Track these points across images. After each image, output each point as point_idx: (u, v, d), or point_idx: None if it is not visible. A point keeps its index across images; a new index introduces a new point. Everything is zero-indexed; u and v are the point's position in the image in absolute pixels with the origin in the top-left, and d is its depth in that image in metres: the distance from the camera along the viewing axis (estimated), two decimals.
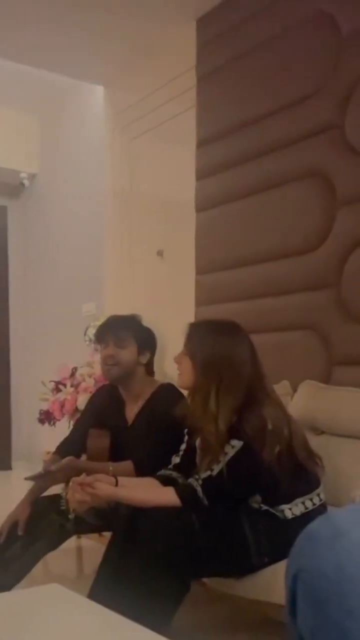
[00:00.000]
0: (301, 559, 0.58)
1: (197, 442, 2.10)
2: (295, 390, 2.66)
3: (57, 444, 2.74)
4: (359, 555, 0.55)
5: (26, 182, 5.39)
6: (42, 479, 2.42)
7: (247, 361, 2.03)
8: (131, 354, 2.53)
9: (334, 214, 2.69)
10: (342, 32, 2.67)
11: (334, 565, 0.55)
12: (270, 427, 1.90)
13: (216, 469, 1.93)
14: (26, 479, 2.41)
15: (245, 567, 1.91)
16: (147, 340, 2.60)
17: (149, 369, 2.63)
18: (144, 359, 2.57)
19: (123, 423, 2.59)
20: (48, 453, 2.97)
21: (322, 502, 2.01)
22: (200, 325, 2.21)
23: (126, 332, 2.54)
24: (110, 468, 2.36)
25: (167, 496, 1.94)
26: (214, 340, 2.05)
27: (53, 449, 2.74)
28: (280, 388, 2.72)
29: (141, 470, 2.32)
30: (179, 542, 1.81)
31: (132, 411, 2.59)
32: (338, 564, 0.55)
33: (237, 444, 1.92)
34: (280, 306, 2.92)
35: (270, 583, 1.85)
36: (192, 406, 2.06)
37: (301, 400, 2.54)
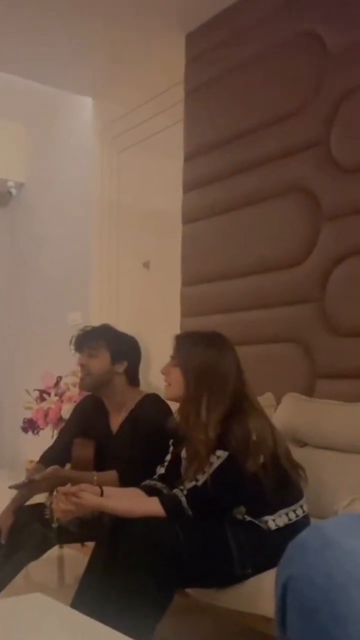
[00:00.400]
0: (291, 568, 0.59)
1: (183, 452, 2.11)
2: (278, 402, 2.69)
3: (41, 452, 2.74)
4: (348, 564, 0.56)
5: (13, 190, 5.39)
6: (26, 488, 2.41)
7: (233, 372, 2.07)
8: (103, 363, 2.53)
9: (319, 228, 2.73)
10: (328, 50, 2.72)
11: (323, 574, 0.56)
12: (254, 437, 1.93)
13: (201, 479, 1.94)
14: (10, 487, 2.41)
15: (229, 578, 1.92)
16: (122, 349, 2.59)
17: (131, 378, 2.62)
18: (120, 368, 2.56)
19: (107, 433, 2.59)
20: (31, 462, 2.97)
21: (305, 513, 2.03)
22: (188, 336, 2.25)
23: (98, 342, 2.54)
24: (95, 477, 2.37)
25: (152, 506, 1.95)
26: (202, 351, 2.09)
27: (36, 457, 2.73)
28: (264, 400, 2.75)
29: (125, 480, 2.32)
30: (163, 553, 1.82)
31: (116, 421, 2.60)
32: (328, 573, 0.56)
33: (222, 454, 1.94)
34: (265, 319, 2.95)
35: (254, 594, 1.86)
36: (184, 416, 2.07)
37: (285, 413, 2.57)
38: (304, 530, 0.63)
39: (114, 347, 2.55)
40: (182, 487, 1.97)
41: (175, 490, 1.98)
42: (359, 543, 0.58)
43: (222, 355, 2.08)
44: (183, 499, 1.93)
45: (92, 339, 2.55)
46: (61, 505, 1.98)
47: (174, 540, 1.86)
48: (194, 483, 1.95)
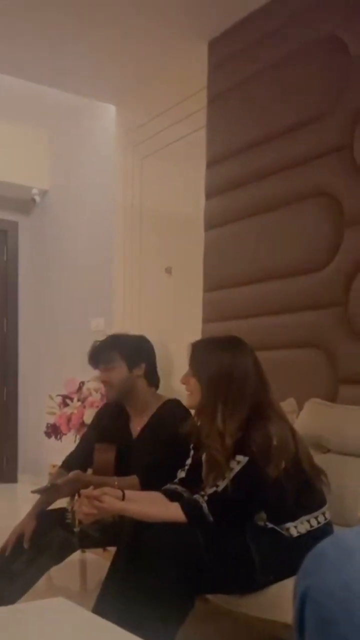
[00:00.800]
0: (308, 579, 0.58)
1: (203, 457, 2.11)
2: (301, 408, 2.67)
3: (63, 457, 2.75)
4: None
5: (37, 198, 5.44)
6: (48, 493, 2.43)
7: (251, 375, 2.05)
8: (121, 373, 2.54)
9: (342, 233, 2.71)
10: (351, 54, 2.71)
11: (341, 584, 0.55)
12: (275, 442, 1.91)
13: (221, 484, 1.93)
14: (32, 492, 2.42)
15: (250, 584, 1.91)
16: (136, 354, 2.61)
17: (151, 378, 2.63)
18: (140, 371, 2.58)
19: (128, 437, 2.60)
20: (54, 466, 2.99)
21: (328, 520, 2.01)
22: (202, 343, 2.23)
23: (111, 354, 2.55)
24: (116, 482, 2.38)
25: (173, 512, 1.95)
26: (216, 357, 2.07)
27: (59, 462, 2.75)
28: (286, 406, 2.73)
29: (146, 485, 2.33)
30: (184, 558, 1.82)
31: (137, 426, 2.60)
32: (346, 583, 0.55)
33: (242, 459, 1.93)
34: (287, 324, 2.94)
35: (275, 601, 1.85)
36: (200, 424, 2.07)
37: (307, 418, 2.55)
38: (324, 539, 0.62)
39: (128, 354, 2.57)
40: (202, 493, 1.96)
41: (196, 496, 1.98)
42: None
43: (238, 359, 2.06)
44: (204, 505, 1.93)
45: (105, 352, 2.56)
46: (83, 508, 1.98)
47: (194, 546, 1.85)
48: (214, 489, 1.94)
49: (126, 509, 1.99)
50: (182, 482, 2.18)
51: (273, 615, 1.84)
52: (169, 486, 2.18)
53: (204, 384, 2.05)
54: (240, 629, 2.32)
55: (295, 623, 0.60)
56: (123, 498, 2.05)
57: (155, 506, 2.03)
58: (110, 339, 2.66)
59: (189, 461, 2.21)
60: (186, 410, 2.52)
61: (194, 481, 2.12)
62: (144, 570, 1.84)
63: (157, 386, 2.71)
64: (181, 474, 2.20)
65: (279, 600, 1.83)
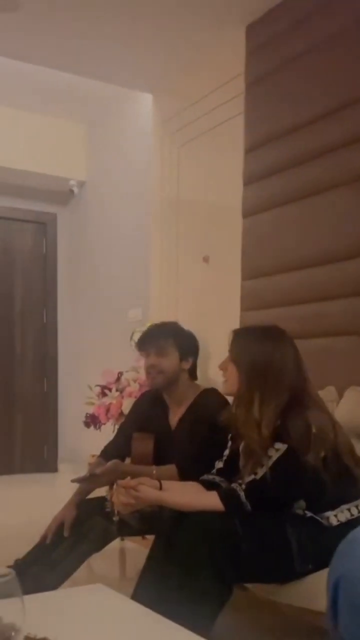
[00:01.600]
0: (342, 566, 0.57)
1: (241, 447, 2.09)
2: (341, 396, 2.63)
3: (102, 447, 2.76)
4: None
5: (75, 189, 5.47)
6: (88, 482, 2.44)
7: (291, 366, 2.03)
8: (173, 361, 2.54)
9: None
10: None
11: None
12: (314, 430, 1.88)
13: (260, 472, 1.91)
14: (72, 481, 2.44)
15: (289, 573, 1.89)
16: (189, 346, 2.61)
17: (192, 373, 2.64)
18: (187, 365, 2.58)
19: (167, 427, 2.60)
20: (93, 456, 3.01)
21: None
22: (244, 331, 2.22)
23: (167, 341, 2.55)
24: (154, 472, 2.38)
25: (210, 500, 1.94)
26: (257, 346, 2.05)
27: (98, 452, 2.76)
28: (326, 394, 2.69)
29: (184, 474, 2.32)
30: (222, 546, 1.81)
31: (175, 416, 2.60)
32: None
33: (281, 447, 1.90)
34: (326, 311, 2.89)
35: (315, 590, 1.82)
36: (236, 413, 2.05)
37: (347, 406, 2.51)
38: (358, 527, 0.60)
39: (182, 345, 2.57)
40: (240, 482, 1.95)
41: (234, 485, 1.96)
42: None
43: (278, 349, 2.04)
44: (242, 494, 1.91)
45: (161, 338, 2.57)
46: (121, 498, 1.99)
47: (233, 534, 1.84)
48: (252, 477, 1.92)
49: (163, 498, 1.99)
50: (219, 472, 2.17)
51: (312, 605, 1.82)
52: (206, 476, 2.17)
53: (243, 372, 2.04)
54: (279, 618, 2.30)
55: (328, 608, 0.59)
56: (160, 488, 2.04)
57: (192, 495, 2.02)
58: (169, 325, 2.67)
59: (226, 452, 2.20)
60: (223, 399, 2.51)
61: (231, 472, 2.11)
62: (182, 558, 1.83)
63: (195, 380, 2.70)
64: (219, 465, 2.19)
65: (317, 589, 1.80)
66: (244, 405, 2.00)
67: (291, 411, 1.95)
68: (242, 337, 2.13)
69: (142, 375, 3.48)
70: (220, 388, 2.24)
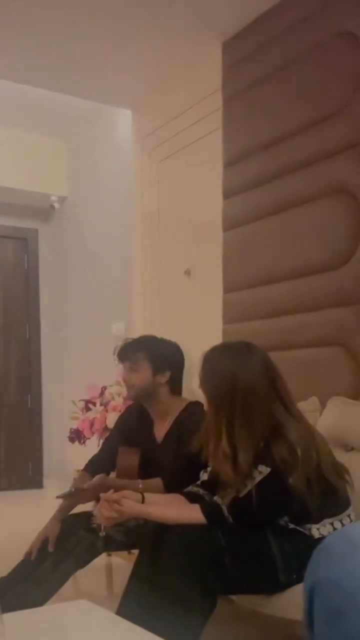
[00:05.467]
0: (316, 573, 0.58)
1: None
2: (323, 406, 2.65)
3: (87, 462, 2.75)
4: None
5: (56, 205, 5.48)
6: (73, 497, 2.43)
7: (262, 382, 1.91)
8: (144, 376, 2.52)
9: None
10: None
11: (349, 577, 0.55)
12: (299, 453, 1.84)
13: (242, 491, 1.91)
14: (58, 497, 2.43)
15: (273, 585, 1.90)
16: (164, 360, 2.57)
17: (174, 387, 2.62)
18: (163, 379, 2.55)
19: (152, 442, 2.59)
20: (78, 471, 2.99)
21: (352, 522, 1.98)
22: (209, 352, 2.04)
23: (140, 355, 2.52)
24: (140, 485, 2.37)
25: (193, 513, 1.94)
26: (220, 367, 1.94)
27: (83, 467, 2.75)
28: (309, 404, 2.71)
29: (170, 488, 2.32)
30: (205, 558, 1.81)
31: (161, 430, 2.59)
32: (353, 576, 0.55)
33: (264, 469, 1.88)
34: (308, 323, 2.92)
35: (300, 601, 1.82)
36: (207, 443, 1.98)
37: (330, 417, 2.53)
38: (331, 534, 0.62)
39: (156, 359, 2.54)
40: (222, 495, 1.95)
41: (217, 498, 1.96)
42: None
43: (244, 366, 1.91)
44: (224, 507, 1.91)
45: (133, 352, 2.54)
46: (104, 512, 1.98)
47: (215, 546, 1.84)
48: (234, 494, 1.92)
49: (146, 511, 1.98)
50: (204, 484, 2.17)
51: (297, 615, 1.82)
52: (190, 488, 2.16)
53: (208, 399, 1.95)
54: (264, 630, 2.30)
55: (304, 616, 0.60)
56: (142, 501, 2.04)
57: (174, 508, 2.02)
58: (142, 339, 2.65)
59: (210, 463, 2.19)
60: None
61: (215, 484, 2.11)
62: (164, 571, 1.83)
63: (179, 394, 2.69)
64: (204, 476, 2.18)
65: (301, 599, 1.81)
66: (213, 438, 1.91)
67: (273, 432, 1.88)
68: (207, 360, 2.00)
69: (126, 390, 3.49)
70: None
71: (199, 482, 2.18)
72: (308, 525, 1.92)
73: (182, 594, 1.77)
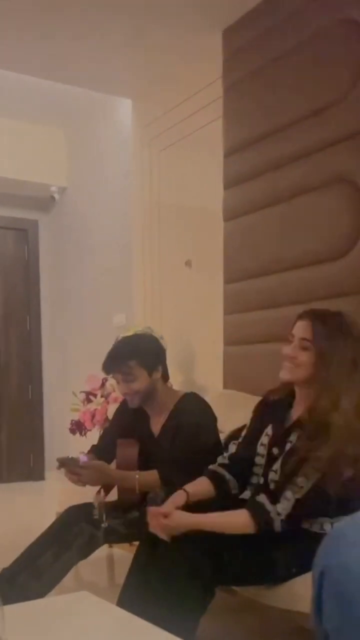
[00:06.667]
0: (327, 558, 0.57)
1: (293, 439, 1.94)
2: None
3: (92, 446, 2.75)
4: None
5: (56, 195, 5.46)
6: (70, 465, 2.41)
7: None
8: (143, 381, 2.49)
9: None
10: None
11: (359, 564, 0.54)
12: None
13: (305, 486, 1.81)
14: (58, 460, 2.42)
15: (272, 578, 1.88)
16: (154, 357, 2.54)
17: (165, 377, 2.60)
18: (158, 374, 2.53)
19: (149, 435, 2.58)
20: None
21: None
22: (327, 317, 2.02)
23: (131, 363, 2.47)
24: (137, 476, 2.38)
25: (244, 524, 1.84)
26: (345, 339, 1.92)
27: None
28: None
29: (167, 480, 2.32)
30: (203, 548, 1.79)
31: (157, 423, 2.58)
32: None
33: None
34: None
35: (303, 592, 1.82)
36: (319, 403, 1.87)
37: None
38: (342, 520, 0.61)
39: (147, 361, 2.50)
40: (277, 498, 1.83)
41: (270, 507, 1.84)
42: None
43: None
44: (277, 521, 1.81)
45: (124, 362, 2.49)
46: (154, 526, 1.89)
47: (214, 539, 1.82)
48: (295, 497, 1.82)
49: (195, 521, 1.87)
50: (232, 458, 2.10)
51: (298, 606, 1.82)
52: (215, 468, 2.11)
53: (329, 359, 1.88)
54: (267, 621, 2.31)
55: (313, 602, 0.59)
56: (188, 497, 1.99)
57: (225, 517, 1.90)
58: (125, 347, 2.54)
59: (244, 432, 2.11)
60: (204, 403, 2.51)
61: (247, 460, 2.05)
62: (163, 561, 1.82)
63: (167, 379, 2.66)
64: (232, 448, 2.12)
65: (306, 590, 1.80)
66: (331, 394, 1.85)
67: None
68: (329, 324, 1.97)
69: None
70: (285, 374, 2.03)
71: (225, 456, 2.13)
72: (321, 519, 1.89)
73: (178, 583, 1.76)
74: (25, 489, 5.47)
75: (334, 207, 2.80)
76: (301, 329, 1.97)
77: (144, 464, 2.52)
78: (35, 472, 5.72)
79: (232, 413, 2.81)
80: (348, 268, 2.72)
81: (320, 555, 0.60)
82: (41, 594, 2.25)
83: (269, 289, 3.13)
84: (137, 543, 2.21)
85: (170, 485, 2.20)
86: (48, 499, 4.82)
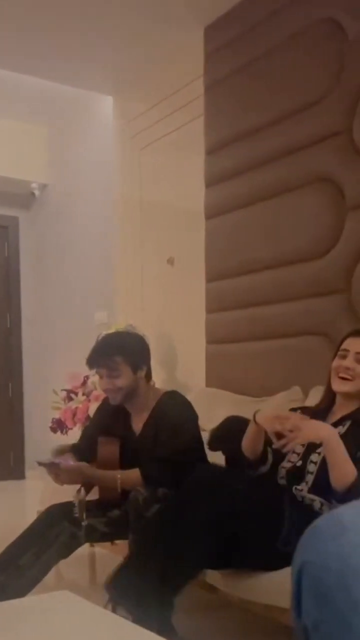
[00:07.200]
0: (306, 554, 0.58)
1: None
2: (306, 395, 2.65)
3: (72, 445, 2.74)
4: None
5: (37, 192, 5.42)
6: (51, 469, 2.40)
7: None
8: (127, 378, 2.47)
9: (343, 219, 2.69)
10: (348, 38, 2.68)
11: (338, 558, 0.55)
12: None
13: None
14: (38, 463, 2.41)
15: (270, 552, 1.88)
16: (140, 356, 2.53)
17: (149, 376, 2.60)
18: (142, 373, 2.52)
19: (130, 434, 2.57)
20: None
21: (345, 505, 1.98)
22: None
23: (117, 359, 2.46)
24: (119, 476, 2.37)
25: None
26: None
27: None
28: (292, 394, 2.72)
29: (149, 479, 2.32)
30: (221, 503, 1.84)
31: (139, 422, 2.57)
32: (342, 558, 0.55)
33: None
34: (291, 312, 2.92)
35: (284, 588, 1.83)
36: None
37: None
38: (321, 516, 0.61)
39: (133, 359, 2.49)
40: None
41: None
42: None
43: None
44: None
45: (109, 357, 2.48)
46: (276, 426, 1.91)
47: (233, 493, 1.88)
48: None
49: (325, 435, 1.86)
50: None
51: (282, 602, 1.83)
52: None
53: None
54: (248, 618, 2.31)
55: (292, 598, 0.59)
56: None
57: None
58: (114, 341, 2.55)
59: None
60: (186, 401, 2.51)
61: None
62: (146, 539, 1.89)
63: (150, 379, 2.66)
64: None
65: (285, 586, 1.81)
66: None
67: None
68: None
69: None
70: (342, 386, 2.10)
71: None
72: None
73: (158, 562, 1.79)
74: (6, 487, 5.43)
75: (314, 206, 2.82)
76: (357, 344, 2.06)
77: (125, 462, 2.51)
78: (15, 471, 5.68)
79: (214, 411, 2.82)
80: (329, 267, 2.73)
81: (299, 550, 0.60)
82: (22, 593, 2.23)
83: (250, 287, 3.14)
84: (120, 542, 2.20)
85: (151, 484, 2.20)
86: (29, 497, 4.80)
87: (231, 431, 2.32)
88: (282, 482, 2.03)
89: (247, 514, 1.88)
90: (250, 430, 2.06)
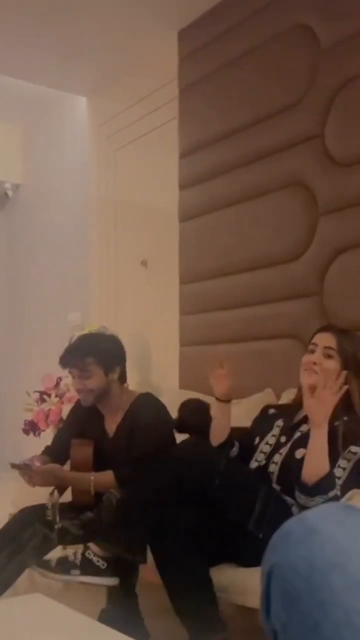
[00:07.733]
0: (274, 556, 0.59)
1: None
2: (279, 398, 2.67)
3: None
4: (330, 550, 0.56)
5: (10, 192, 5.39)
6: (24, 471, 2.39)
7: None
8: (98, 380, 2.46)
9: (315, 223, 2.72)
10: (321, 44, 2.71)
11: (305, 560, 0.56)
12: None
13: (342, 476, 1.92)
14: (12, 465, 2.39)
15: (240, 531, 1.92)
16: (113, 358, 2.52)
17: (123, 379, 2.59)
18: (115, 375, 2.51)
19: (104, 436, 2.57)
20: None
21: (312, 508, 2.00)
22: (344, 330, 2.23)
23: (88, 359, 2.45)
24: (92, 478, 2.36)
25: None
26: None
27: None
28: (264, 396, 2.74)
29: (122, 481, 2.32)
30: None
31: (112, 423, 2.57)
32: (309, 559, 0.56)
33: (357, 450, 1.95)
34: (264, 315, 2.94)
35: (251, 587, 1.84)
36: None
37: None
38: (290, 519, 0.62)
39: (105, 360, 2.48)
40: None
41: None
42: (341, 530, 0.58)
43: None
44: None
45: (80, 358, 2.47)
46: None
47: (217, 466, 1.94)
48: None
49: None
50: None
51: (247, 602, 1.84)
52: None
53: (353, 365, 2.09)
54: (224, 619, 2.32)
55: (261, 601, 0.61)
56: None
57: None
58: (87, 341, 2.54)
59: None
60: (160, 403, 2.51)
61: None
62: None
63: (125, 381, 2.65)
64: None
65: (253, 585, 1.82)
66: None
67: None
68: (343, 335, 2.17)
69: None
70: (308, 379, 2.13)
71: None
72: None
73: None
74: None
75: (287, 209, 2.85)
76: (324, 339, 2.12)
77: (98, 464, 2.51)
78: None
79: None
80: (302, 270, 2.76)
81: (268, 552, 0.61)
82: None
83: (223, 290, 3.16)
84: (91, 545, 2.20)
85: (125, 486, 2.20)
86: (1, 500, 4.76)
87: (194, 412, 2.50)
88: None
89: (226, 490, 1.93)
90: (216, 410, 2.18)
